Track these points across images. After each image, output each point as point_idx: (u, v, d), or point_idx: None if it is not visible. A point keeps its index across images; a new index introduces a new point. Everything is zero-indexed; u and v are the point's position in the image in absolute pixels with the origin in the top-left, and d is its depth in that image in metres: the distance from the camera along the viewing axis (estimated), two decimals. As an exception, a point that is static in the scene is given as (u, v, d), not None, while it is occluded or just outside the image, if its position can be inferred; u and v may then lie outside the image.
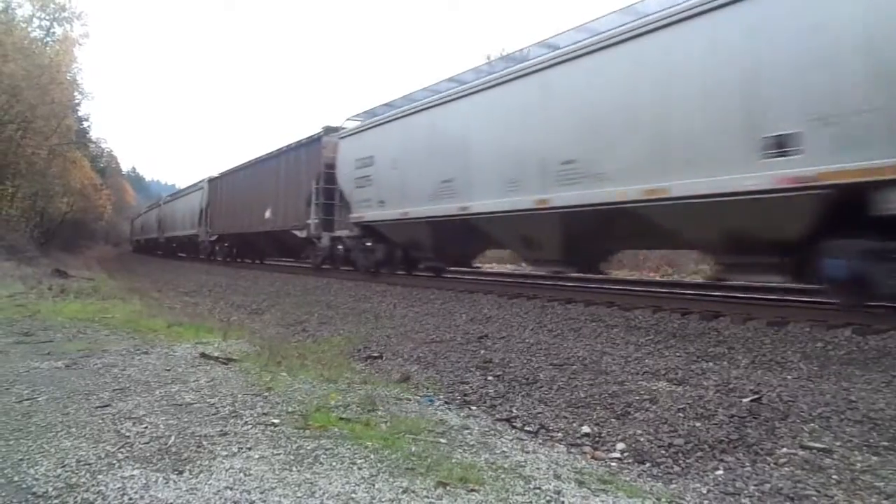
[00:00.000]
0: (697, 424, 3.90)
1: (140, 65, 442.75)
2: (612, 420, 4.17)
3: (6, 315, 8.43)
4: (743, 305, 7.81)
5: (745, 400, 4.25)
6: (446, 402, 4.74)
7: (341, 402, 4.43)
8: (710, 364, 5.34)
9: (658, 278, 15.96)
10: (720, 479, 3.21)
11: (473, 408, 4.61)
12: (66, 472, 2.97)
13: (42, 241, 25.33)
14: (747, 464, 3.35)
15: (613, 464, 3.50)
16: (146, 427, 3.69)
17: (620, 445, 3.75)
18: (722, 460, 3.43)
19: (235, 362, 5.71)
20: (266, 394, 4.55)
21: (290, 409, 4.17)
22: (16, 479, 2.87)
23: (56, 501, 2.64)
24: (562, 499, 2.84)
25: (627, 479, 3.24)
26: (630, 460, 3.55)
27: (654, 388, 4.69)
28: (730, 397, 4.34)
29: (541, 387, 4.99)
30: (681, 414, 4.08)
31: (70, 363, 5.52)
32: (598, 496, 2.90)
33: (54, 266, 18.91)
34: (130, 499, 2.68)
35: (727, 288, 10.04)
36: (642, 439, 3.78)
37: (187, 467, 3.06)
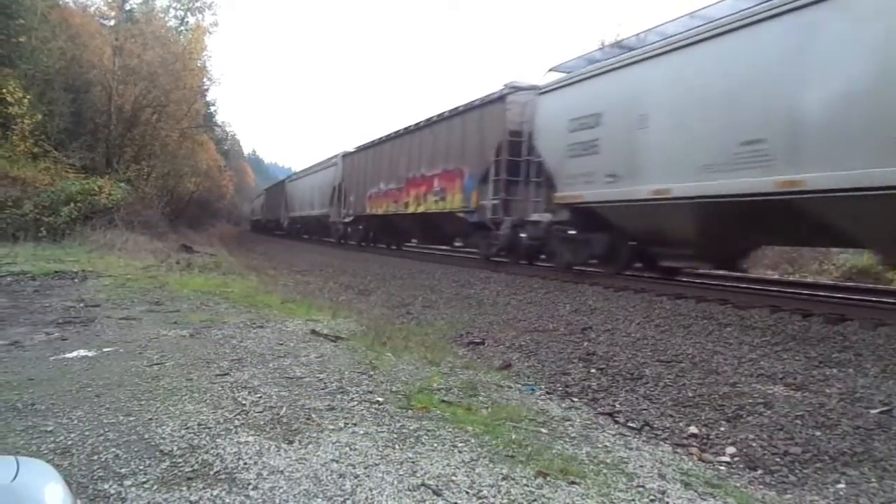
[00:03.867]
0: (817, 433, 3.66)
1: (261, 50, 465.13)
2: (722, 422, 4.00)
3: (140, 285, 9.16)
4: (872, 309, 7.22)
5: (873, 411, 3.94)
6: (547, 392, 4.71)
7: (443, 385, 4.50)
8: (834, 370, 4.98)
9: (776, 277, 15.03)
10: (842, 493, 3.01)
11: (575, 399, 4.55)
12: (189, 433, 3.20)
13: (171, 218, 27.21)
14: (873, 479, 3.11)
15: (722, 468, 3.36)
16: (260, 397, 3.91)
17: (730, 449, 3.58)
18: (844, 473, 3.21)
19: (343, 340, 5.93)
20: (371, 372, 4.70)
21: (393, 389, 4.28)
22: (146, 436, 3.12)
23: (180, 460, 2.85)
24: (666, 499, 2.75)
25: (738, 485, 3.10)
26: (741, 465, 3.39)
27: (770, 391, 4.44)
28: (855, 407, 4.04)
29: (646, 383, 4.85)
30: (799, 421, 3.84)
31: (194, 332, 5.93)
32: (705, 500, 2.80)
33: (181, 242, 20.27)
34: (245, 464, 2.85)
35: (852, 290, 9.33)
36: (755, 445, 3.59)
37: (297, 438, 3.22)
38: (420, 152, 17.87)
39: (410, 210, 18.08)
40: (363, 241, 24.63)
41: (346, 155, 25.82)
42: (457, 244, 18.90)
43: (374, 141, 22.82)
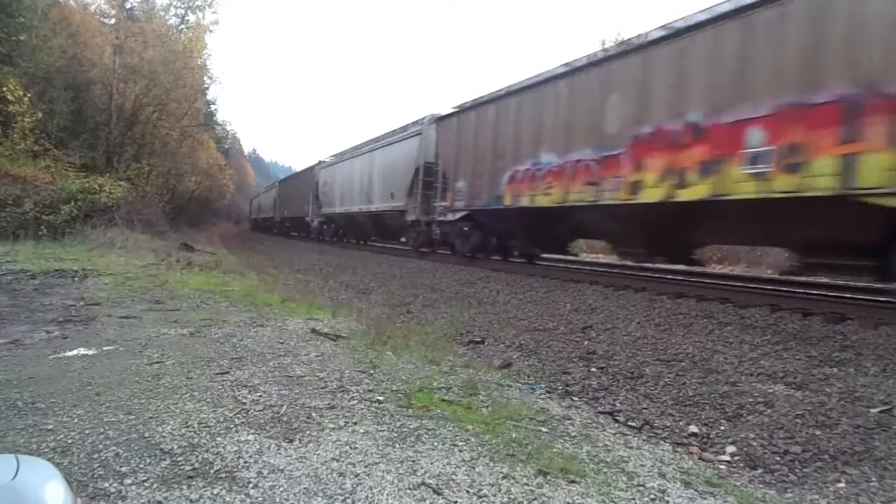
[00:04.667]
0: (817, 433, 3.66)
1: (261, 49, 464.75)
2: (723, 421, 4.00)
3: (140, 284, 9.15)
4: (873, 308, 7.23)
5: (873, 410, 3.94)
6: (548, 391, 4.71)
7: (444, 384, 4.49)
8: (834, 370, 4.98)
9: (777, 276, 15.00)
10: (842, 492, 3.01)
11: (575, 398, 4.55)
12: (190, 432, 3.19)
13: (172, 217, 27.11)
14: (874, 478, 3.11)
15: (722, 467, 3.36)
16: (260, 395, 3.90)
17: (731, 448, 3.59)
18: (844, 472, 3.21)
19: (343, 339, 5.92)
20: (372, 371, 4.69)
21: (394, 388, 4.27)
22: (146, 435, 3.12)
23: (180, 459, 2.85)
24: (667, 498, 2.75)
25: (738, 483, 3.10)
26: (741, 464, 3.39)
27: (770, 391, 4.44)
28: (856, 406, 4.04)
29: (646, 382, 4.85)
30: (799, 420, 3.85)
31: (194, 331, 5.91)
32: (705, 499, 2.79)
33: (182, 240, 20.25)
34: (245, 462, 2.84)
35: (855, 290, 9.32)
36: (755, 444, 3.59)
37: (297, 436, 3.21)
38: (679, 84, 8.87)
39: (644, 199, 9.33)
40: (473, 251, 15.52)
41: (440, 119, 17.11)
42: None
43: (511, 87, 13.64)
